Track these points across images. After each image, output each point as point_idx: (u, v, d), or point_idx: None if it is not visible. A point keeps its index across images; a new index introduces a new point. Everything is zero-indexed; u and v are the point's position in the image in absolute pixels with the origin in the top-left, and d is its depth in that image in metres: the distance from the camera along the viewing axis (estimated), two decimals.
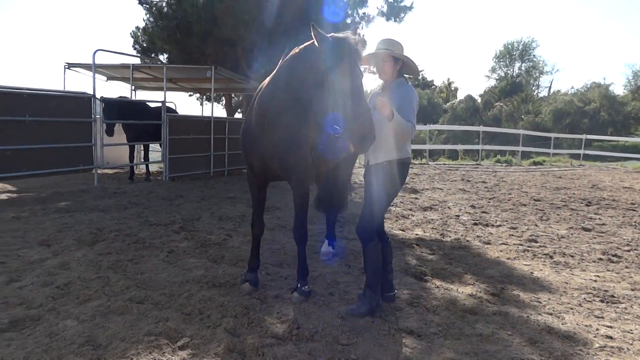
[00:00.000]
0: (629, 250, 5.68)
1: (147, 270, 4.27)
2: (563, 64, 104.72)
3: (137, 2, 13.94)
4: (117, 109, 9.87)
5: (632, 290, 4.27)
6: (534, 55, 55.63)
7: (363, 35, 14.23)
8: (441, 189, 11.01)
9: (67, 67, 11.32)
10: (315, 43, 3.11)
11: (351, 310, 3.47)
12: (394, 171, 3.45)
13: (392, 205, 8.33)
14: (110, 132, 9.90)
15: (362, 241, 3.54)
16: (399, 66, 3.53)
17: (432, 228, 6.66)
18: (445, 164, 20.02)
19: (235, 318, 3.27)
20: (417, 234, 6.24)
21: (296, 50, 3.48)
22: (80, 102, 9.05)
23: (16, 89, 8.17)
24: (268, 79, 3.78)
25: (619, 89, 50.75)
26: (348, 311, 3.47)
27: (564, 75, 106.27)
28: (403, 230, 6.44)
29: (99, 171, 9.73)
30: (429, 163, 19.76)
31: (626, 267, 5.00)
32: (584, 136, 24.21)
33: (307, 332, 3.12)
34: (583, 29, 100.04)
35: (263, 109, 3.60)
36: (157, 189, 9.16)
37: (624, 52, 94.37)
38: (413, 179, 13.19)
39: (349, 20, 13.70)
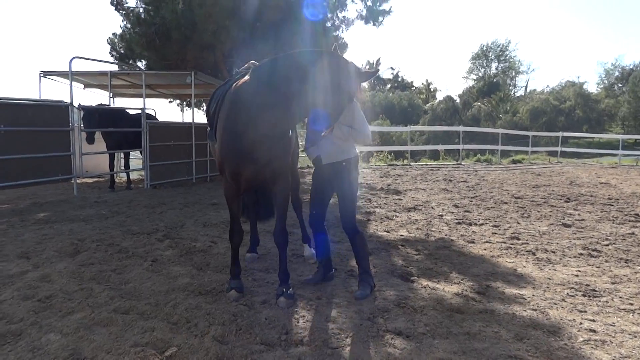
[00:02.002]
0: (608, 245, 5.81)
1: (131, 280, 4.21)
2: (538, 64, 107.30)
3: (114, 8, 13.75)
4: (96, 116, 9.72)
5: (613, 283, 4.38)
6: (509, 57, 56.80)
7: (343, 39, 14.33)
8: (424, 190, 11.11)
9: (42, 75, 11.09)
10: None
11: (361, 294, 3.82)
12: (353, 168, 3.94)
13: (377, 207, 8.38)
14: (91, 139, 9.74)
15: (350, 235, 4.00)
16: None
17: (417, 228, 6.72)
18: (427, 165, 20.22)
19: (222, 326, 3.24)
20: (401, 235, 6.28)
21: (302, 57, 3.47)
22: (57, 110, 8.87)
23: None
24: (249, 83, 3.59)
25: (592, 87, 52.06)
26: (359, 296, 3.81)
27: (540, 74, 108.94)
28: (388, 232, 6.48)
29: (78, 181, 9.55)
30: (411, 164, 19.93)
31: (606, 261, 5.12)
32: (560, 134, 24.74)
33: (296, 337, 3.11)
34: (557, 29, 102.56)
35: (265, 117, 3.45)
36: (138, 197, 9.02)
37: (597, 50, 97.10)
38: (396, 180, 13.29)
39: (328, 24, 13.76)
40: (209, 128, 4.35)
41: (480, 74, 58.87)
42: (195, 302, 3.66)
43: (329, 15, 13.77)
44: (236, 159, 3.62)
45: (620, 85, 49.73)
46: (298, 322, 3.36)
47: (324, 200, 4.08)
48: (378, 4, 13.94)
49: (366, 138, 3.89)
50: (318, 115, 3.43)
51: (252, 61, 3.96)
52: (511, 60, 57.01)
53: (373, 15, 14.07)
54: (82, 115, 9.58)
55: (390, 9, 14.10)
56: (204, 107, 19.23)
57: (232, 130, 3.59)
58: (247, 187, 3.83)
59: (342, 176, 3.88)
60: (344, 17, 14.45)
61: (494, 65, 58.19)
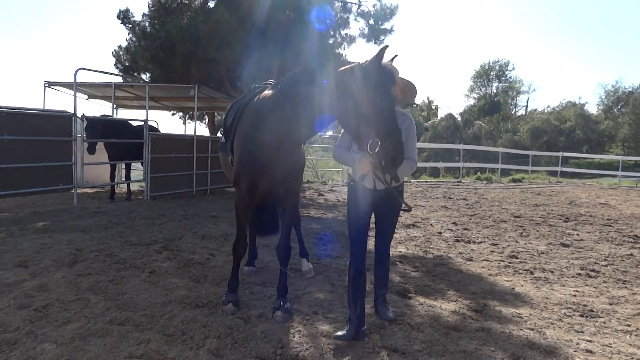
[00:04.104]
0: (606, 265, 5.81)
1: (128, 291, 4.20)
2: (539, 84, 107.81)
3: (120, 22, 13.94)
4: (99, 127, 9.79)
5: (610, 304, 4.36)
6: (509, 77, 57.41)
7: (345, 56, 14.49)
8: (423, 207, 11.12)
9: (47, 85, 11.20)
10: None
11: (390, 315, 3.74)
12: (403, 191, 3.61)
13: None
14: (92, 150, 9.78)
15: (381, 259, 3.78)
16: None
17: (415, 245, 6.71)
18: (427, 182, 20.26)
19: (218, 339, 3.23)
20: (400, 251, 6.28)
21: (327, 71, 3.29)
22: (60, 120, 8.94)
23: None
24: (270, 97, 3.54)
25: (592, 108, 52.41)
26: (391, 317, 3.71)
27: (541, 94, 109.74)
28: None
29: (78, 190, 9.57)
30: (411, 181, 19.96)
31: (604, 282, 5.11)
32: (560, 154, 24.82)
33: (291, 352, 3.10)
34: (558, 50, 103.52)
35: (285, 132, 3.42)
36: (138, 209, 9.03)
37: (598, 72, 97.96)
38: None
39: (331, 41, 13.92)
40: (222, 140, 4.42)
41: (481, 93, 59.34)
42: (191, 314, 3.66)
43: (332, 33, 13.93)
44: (253, 172, 3.62)
45: (619, 107, 50.11)
46: (294, 337, 3.36)
47: (366, 232, 3.55)
48: (380, 22, 14.10)
49: (412, 168, 3.48)
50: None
51: (271, 80, 4.04)
52: (511, 80, 57.60)
53: (375, 34, 14.22)
54: (85, 126, 9.65)
55: (392, 27, 14.25)
56: (206, 120, 19.37)
57: (252, 143, 3.58)
58: (260, 200, 3.88)
59: (392, 201, 3.47)
60: (346, 34, 14.61)
61: (494, 84, 58.71)
